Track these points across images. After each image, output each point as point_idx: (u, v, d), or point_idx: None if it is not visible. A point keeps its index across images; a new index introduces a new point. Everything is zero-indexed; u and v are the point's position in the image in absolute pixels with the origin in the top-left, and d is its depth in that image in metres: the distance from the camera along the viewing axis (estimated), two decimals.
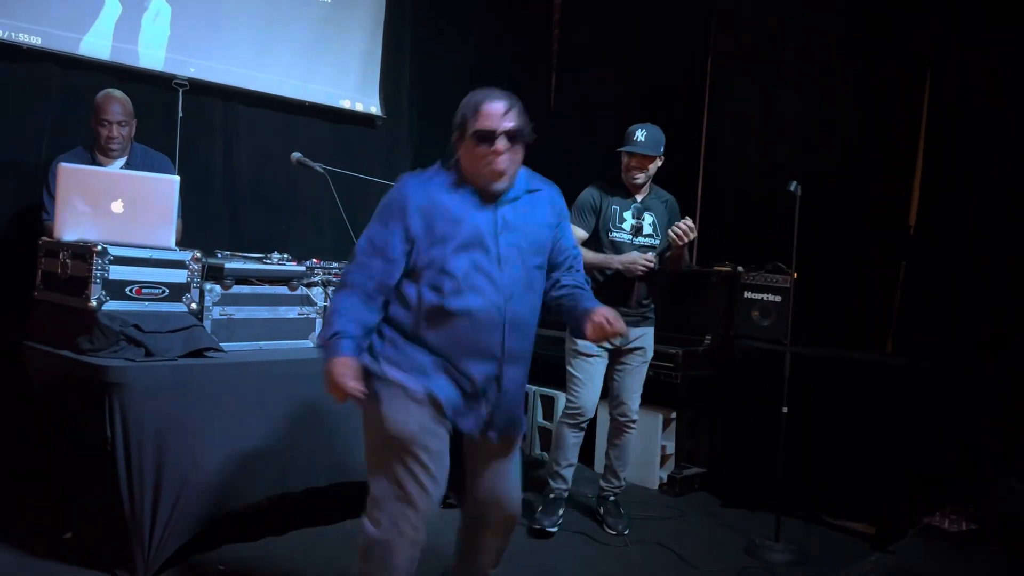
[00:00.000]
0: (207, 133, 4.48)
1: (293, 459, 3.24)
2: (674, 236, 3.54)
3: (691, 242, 3.60)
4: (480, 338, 2.27)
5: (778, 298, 4.27)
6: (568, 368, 3.83)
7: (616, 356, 3.86)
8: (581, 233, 3.77)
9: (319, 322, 3.49)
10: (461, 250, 2.25)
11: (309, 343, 3.47)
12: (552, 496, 3.88)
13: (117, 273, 2.97)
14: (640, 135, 3.73)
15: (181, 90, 4.25)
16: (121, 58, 4.09)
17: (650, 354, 3.92)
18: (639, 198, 3.83)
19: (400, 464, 2.24)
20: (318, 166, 3.61)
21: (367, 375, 2.29)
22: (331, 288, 3.47)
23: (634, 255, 3.69)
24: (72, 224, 3.07)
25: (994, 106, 4.01)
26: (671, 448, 4.63)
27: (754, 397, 4.20)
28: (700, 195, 5.28)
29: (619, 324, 2.32)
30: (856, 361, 4.03)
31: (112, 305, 2.96)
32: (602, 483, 4.00)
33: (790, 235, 3.61)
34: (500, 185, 2.29)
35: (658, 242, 3.79)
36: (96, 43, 4.01)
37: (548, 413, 4.98)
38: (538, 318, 2.44)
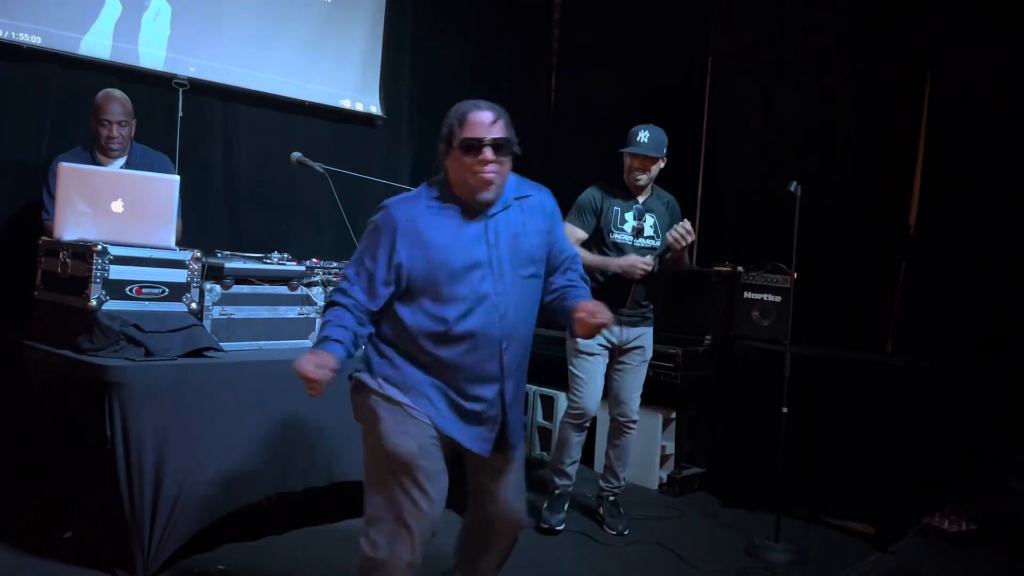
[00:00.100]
0: (207, 133, 4.48)
1: (293, 459, 3.24)
2: (672, 240, 3.55)
3: (690, 245, 3.61)
4: (478, 357, 2.25)
5: (778, 298, 4.27)
6: (570, 368, 3.83)
7: (615, 356, 3.86)
8: (580, 234, 3.77)
9: (319, 322, 3.49)
10: (454, 273, 2.22)
11: (309, 343, 3.47)
12: (557, 492, 3.91)
13: (117, 273, 2.97)
14: (643, 136, 3.72)
15: (181, 90, 4.25)
16: (121, 58, 4.08)
17: (649, 354, 3.92)
18: (640, 199, 3.83)
19: (397, 484, 2.21)
20: (318, 166, 3.61)
21: (365, 392, 2.28)
22: (330, 288, 3.46)
23: (632, 259, 3.69)
24: (72, 224, 3.07)
25: (994, 106, 4.01)
26: (671, 448, 4.63)
27: (754, 397, 4.20)
28: (700, 195, 5.28)
29: (603, 314, 2.30)
30: (856, 361, 4.03)
31: (112, 305, 2.96)
32: (602, 483, 4.00)
33: (790, 235, 3.61)
34: (488, 196, 2.26)
35: (659, 244, 3.79)
36: (96, 43, 4.01)
37: (548, 413, 4.97)
38: (534, 327, 2.41)
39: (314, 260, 3.58)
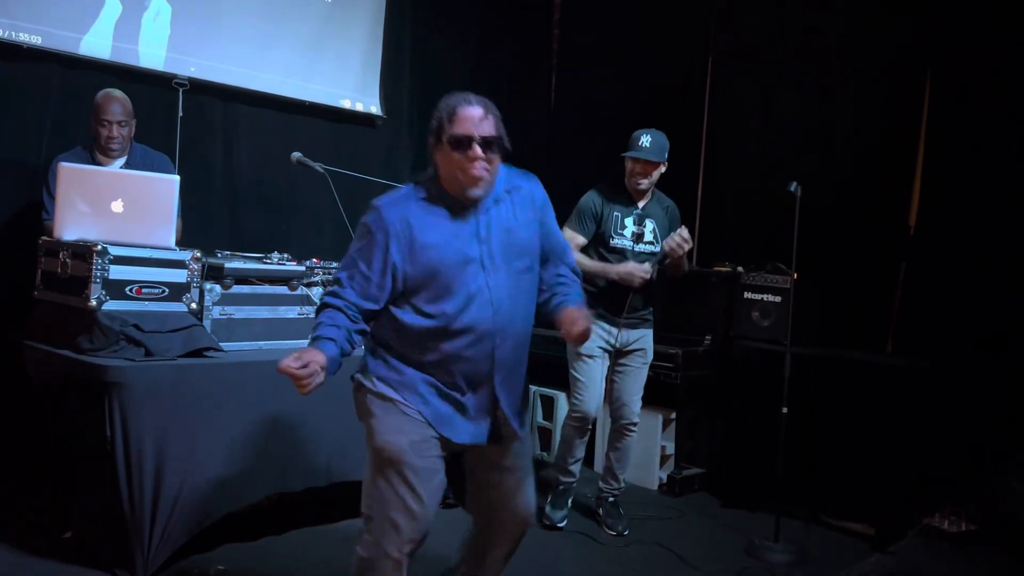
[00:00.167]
0: (207, 133, 4.48)
1: (293, 459, 3.25)
2: (669, 248, 3.57)
3: (688, 251, 3.62)
4: (471, 353, 2.23)
5: (778, 298, 4.27)
6: (570, 371, 3.84)
7: (616, 358, 3.86)
8: (580, 240, 3.79)
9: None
10: (447, 271, 2.21)
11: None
12: (561, 488, 3.94)
13: (117, 273, 2.97)
14: (645, 141, 3.72)
15: (181, 90, 4.25)
16: (121, 58, 4.08)
17: (650, 356, 3.92)
18: (641, 204, 3.83)
19: (386, 482, 2.22)
20: (318, 166, 3.61)
21: (363, 391, 2.28)
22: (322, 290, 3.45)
23: (631, 267, 3.68)
24: (72, 224, 3.07)
25: (994, 106, 4.01)
26: (671, 448, 4.63)
27: (754, 397, 4.20)
28: (700, 195, 5.28)
29: (579, 324, 2.29)
30: (856, 361, 4.03)
31: (112, 305, 2.96)
32: (601, 484, 4.00)
33: (790, 235, 3.61)
34: (477, 192, 2.24)
35: (658, 249, 3.78)
36: (96, 43, 4.01)
37: (548, 413, 4.97)
38: (532, 322, 2.39)
39: (314, 260, 3.58)
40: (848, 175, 4.49)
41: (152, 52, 4.20)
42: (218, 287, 3.25)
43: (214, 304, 3.25)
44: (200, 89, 4.36)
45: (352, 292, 2.21)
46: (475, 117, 2.21)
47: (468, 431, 2.29)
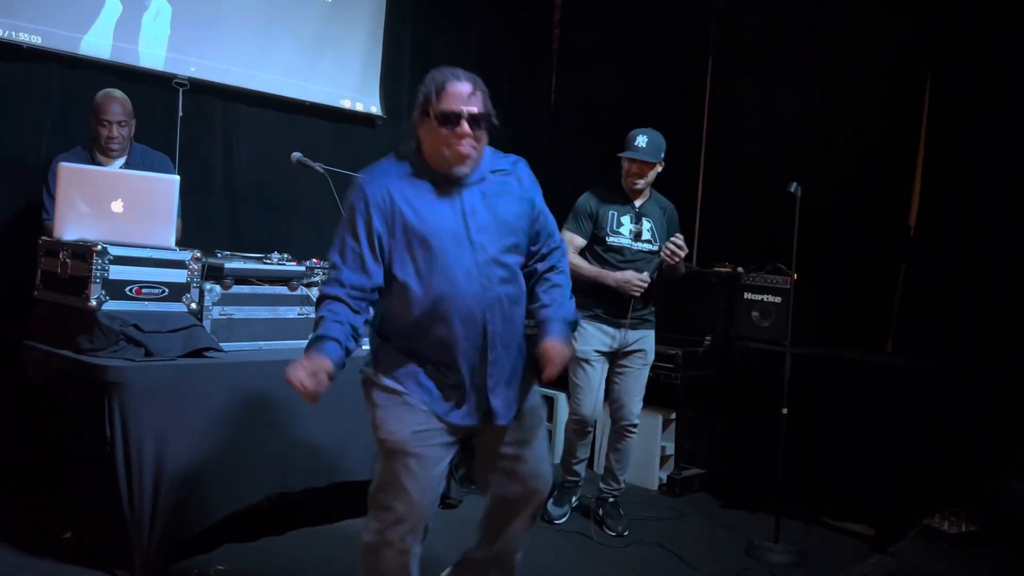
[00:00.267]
0: (207, 133, 4.48)
1: (293, 459, 3.24)
2: (665, 256, 3.61)
3: (684, 256, 3.64)
4: (461, 330, 2.22)
5: (778, 299, 4.27)
6: (570, 375, 3.84)
7: (616, 359, 3.86)
8: (579, 241, 3.79)
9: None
10: (430, 243, 2.19)
11: None
12: (566, 486, 3.98)
13: (117, 273, 2.97)
14: (641, 141, 3.72)
15: (181, 90, 4.25)
16: (121, 57, 4.08)
17: (651, 357, 3.91)
18: (637, 203, 3.83)
19: (389, 471, 2.24)
20: (318, 166, 3.61)
21: (368, 384, 2.31)
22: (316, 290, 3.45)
23: (629, 275, 3.68)
24: (72, 224, 3.06)
25: (994, 106, 4.01)
26: (671, 449, 4.63)
27: (754, 398, 4.20)
28: (700, 195, 5.28)
29: (551, 369, 2.26)
30: (856, 362, 4.03)
31: (112, 305, 2.96)
32: (601, 485, 4.01)
33: (790, 236, 3.61)
34: (463, 170, 2.22)
35: (656, 247, 3.78)
36: (96, 42, 4.01)
37: (549, 414, 4.97)
38: (524, 299, 2.37)
39: (314, 260, 3.57)
40: (848, 175, 4.49)
41: (152, 52, 4.20)
42: (218, 287, 3.25)
43: (214, 304, 3.24)
44: (200, 89, 4.36)
45: (348, 272, 2.20)
46: (464, 93, 2.19)
47: (471, 413, 2.29)
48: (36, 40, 3.80)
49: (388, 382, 2.27)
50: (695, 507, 4.29)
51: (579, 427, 3.87)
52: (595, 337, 3.75)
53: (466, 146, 2.19)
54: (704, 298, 4.64)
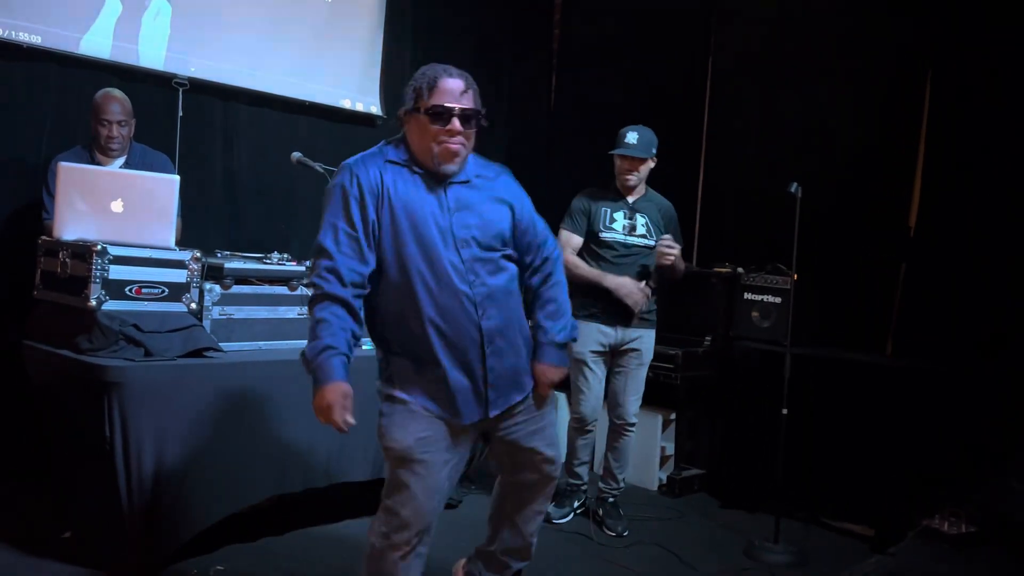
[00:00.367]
0: (207, 133, 4.48)
1: (293, 459, 3.24)
2: (658, 259, 3.65)
3: (678, 254, 3.66)
4: (452, 326, 2.21)
5: (778, 299, 4.27)
6: (570, 375, 3.84)
7: (613, 358, 3.88)
8: (576, 240, 3.82)
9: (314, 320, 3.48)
10: (420, 237, 2.18)
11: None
12: (568, 489, 3.98)
13: (116, 273, 2.97)
14: (631, 137, 3.75)
15: (181, 89, 4.25)
16: (121, 57, 4.08)
17: (648, 357, 3.91)
18: (630, 200, 3.84)
19: (396, 477, 2.24)
20: (318, 166, 3.61)
21: (379, 394, 2.31)
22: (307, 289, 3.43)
23: (628, 284, 3.66)
24: (71, 223, 3.06)
25: (994, 106, 4.01)
26: (670, 449, 4.62)
27: (754, 398, 4.20)
28: (700, 195, 5.28)
29: (541, 388, 2.38)
30: (856, 362, 4.03)
31: (111, 305, 2.96)
32: (601, 485, 4.01)
33: (790, 236, 3.61)
34: (451, 167, 2.20)
35: (652, 242, 3.80)
36: (96, 42, 4.01)
37: None
38: (518, 295, 2.37)
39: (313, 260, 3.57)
40: (848, 175, 4.48)
41: (152, 52, 4.19)
42: (218, 287, 3.25)
43: (214, 304, 3.24)
44: (200, 89, 4.36)
45: (346, 260, 2.15)
46: (456, 90, 2.18)
47: (475, 410, 2.29)
48: (36, 40, 3.80)
49: (391, 390, 2.28)
50: (695, 507, 4.29)
51: (577, 425, 3.91)
52: (592, 337, 3.76)
53: (456, 143, 2.18)
54: (704, 298, 4.63)
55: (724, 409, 4.49)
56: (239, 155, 4.60)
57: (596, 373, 3.84)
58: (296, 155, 3.67)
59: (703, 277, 4.64)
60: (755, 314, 4.37)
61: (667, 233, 3.81)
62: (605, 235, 3.80)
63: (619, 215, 3.82)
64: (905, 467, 3.70)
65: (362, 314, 2.25)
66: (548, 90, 6.18)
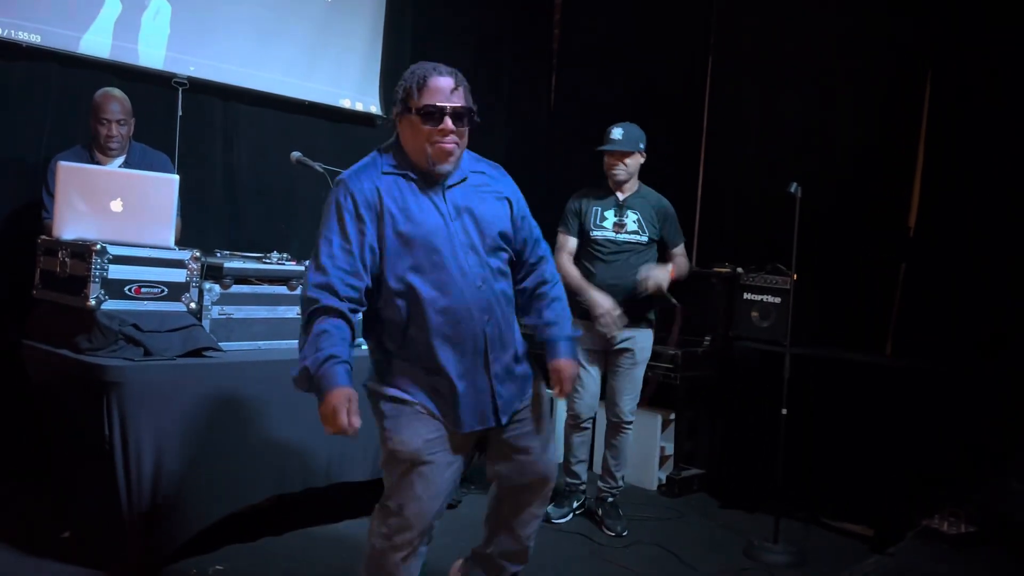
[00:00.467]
0: (207, 132, 4.47)
1: (292, 459, 3.24)
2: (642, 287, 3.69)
3: (660, 286, 3.67)
4: (458, 334, 2.20)
5: (777, 299, 4.27)
6: None
7: (608, 357, 3.90)
8: (571, 243, 3.86)
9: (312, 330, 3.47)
10: (422, 246, 2.16)
11: None
12: (568, 489, 4.00)
13: (116, 272, 2.97)
14: (616, 133, 3.79)
15: (181, 89, 4.24)
16: (121, 56, 4.07)
17: (643, 356, 3.91)
18: (621, 197, 3.85)
19: (402, 479, 2.22)
20: (318, 165, 3.60)
21: (373, 395, 2.28)
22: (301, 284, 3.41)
23: (606, 308, 3.63)
24: (71, 223, 3.06)
25: (994, 106, 4.01)
26: (670, 449, 4.62)
27: (753, 398, 4.20)
28: (700, 195, 5.28)
29: (563, 388, 2.37)
30: (856, 362, 4.03)
31: (111, 304, 2.96)
32: (600, 484, 4.01)
33: (790, 236, 3.61)
34: (446, 167, 2.18)
35: (644, 238, 3.82)
36: (96, 41, 4.00)
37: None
38: (513, 302, 2.36)
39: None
40: (848, 175, 4.48)
41: (152, 51, 4.19)
42: (217, 287, 3.25)
43: (213, 304, 3.24)
44: (200, 88, 4.36)
45: (342, 274, 2.12)
46: (446, 88, 2.15)
47: (475, 418, 2.28)
48: (35, 39, 3.80)
49: (394, 392, 2.24)
50: (694, 507, 4.29)
51: (574, 423, 3.95)
52: (584, 337, 3.76)
53: (449, 142, 2.15)
54: (704, 298, 4.63)
55: (724, 409, 4.49)
56: (239, 155, 4.60)
57: (590, 372, 3.87)
58: (296, 155, 3.67)
59: (703, 277, 4.64)
60: (755, 314, 4.37)
61: (662, 229, 3.85)
62: (596, 233, 3.83)
63: (609, 213, 3.84)
64: (905, 467, 3.70)
65: (359, 324, 2.23)
66: (548, 90, 6.18)
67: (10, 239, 3.72)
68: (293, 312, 3.46)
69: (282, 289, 3.44)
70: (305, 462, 3.28)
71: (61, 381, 3.01)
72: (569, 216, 3.88)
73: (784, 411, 3.61)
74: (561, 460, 4.14)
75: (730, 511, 4.23)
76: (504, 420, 2.33)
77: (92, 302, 2.91)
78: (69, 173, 3.08)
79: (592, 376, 3.89)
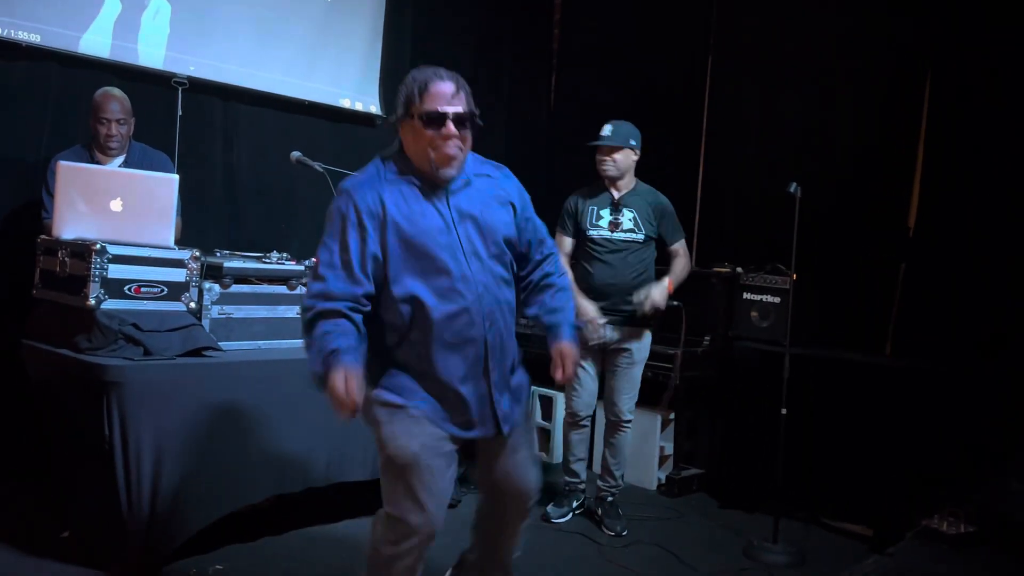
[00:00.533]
0: (206, 132, 4.47)
1: (292, 459, 3.24)
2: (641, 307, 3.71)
3: (657, 307, 3.70)
4: (459, 341, 2.19)
5: (777, 299, 4.27)
6: None
7: (606, 357, 3.91)
8: (567, 244, 3.88)
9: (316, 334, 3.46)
10: (426, 249, 2.15)
11: None
12: (567, 489, 4.01)
13: (116, 272, 2.97)
14: (606, 130, 3.81)
15: (180, 88, 4.24)
16: (120, 56, 4.07)
17: (640, 355, 3.91)
18: (616, 195, 3.85)
19: (401, 485, 2.20)
20: (317, 165, 3.61)
21: (366, 400, 2.21)
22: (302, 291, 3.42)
23: (588, 315, 3.67)
24: (71, 222, 3.06)
25: (994, 106, 4.01)
26: (669, 449, 4.62)
27: (753, 398, 4.20)
28: (700, 195, 5.28)
29: (566, 371, 2.33)
30: (855, 362, 4.03)
31: (111, 304, 2.96)
32: (599, 483, 4.02)
33: (790, 236, 3.61)
34: (449, 172, 2.17)
35: (640, 236, 3.83)
36: (95, 41, 4.00)
37: (547, 413, 4.98)
38: (514, 309, 2.36)
39: (313, 260, 3.55)
40: (848, 175, 4.48)
41: (151, 51, 4.19)
42: (217, 286, 3.25)
43: (213, 303, 3.24)
44: (199, 88, 4.36)
45: (338, 282, 2.12)
46: (448, 92, 2.15)
47: (471, 426, 2.27)
48: (35, 38, 3.80)
49: (389, 396, 2.23)
50: (694, 507, 4.29)
51: (572, 420, 3.97)
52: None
53: (452, 147, 2.15)
54: (703, 298, 4.63)
55: (723, 409, 4.49)
56: (239, 155, 4.60)
57: (588, 370, 3.88)
58: (295, 154, 3.67)
59: (702, 277, 4.64)
60: (754, 314, 4.37)
61: (659, 226, 3.86)
62: (592, 232, 3.84)
63: (605, 212, 3.85)
64: (904, 467, 3.70)
65: (362, 322, 2.22)
66: (548, 90, 6.18)
67: (10, 239, 3.72)
68: (293, 312, 3.46)
69: (282, 289, 3.44)
70: (305, 462, 3.28)
71: (61, 381, 3.01)
72: (565, 216, 3.90)
73: (784, 411, 3.61)
74: (560, 459, 4.17)
75: (730, 511, 4.23)
76: (506, 430, 2.31)
77: (92, 301, 2.91)
78: (69, 173, 3.08)
79: (590, 374, 3.89)
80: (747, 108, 5.02)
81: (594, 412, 4.04)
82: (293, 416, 3.20)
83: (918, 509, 3.50)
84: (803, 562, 3.56)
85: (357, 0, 5.03)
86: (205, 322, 3.20)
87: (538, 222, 2.46)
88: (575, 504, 4.01)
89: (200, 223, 4.22)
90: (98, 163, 3.55)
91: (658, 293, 3.71)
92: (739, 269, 4.52)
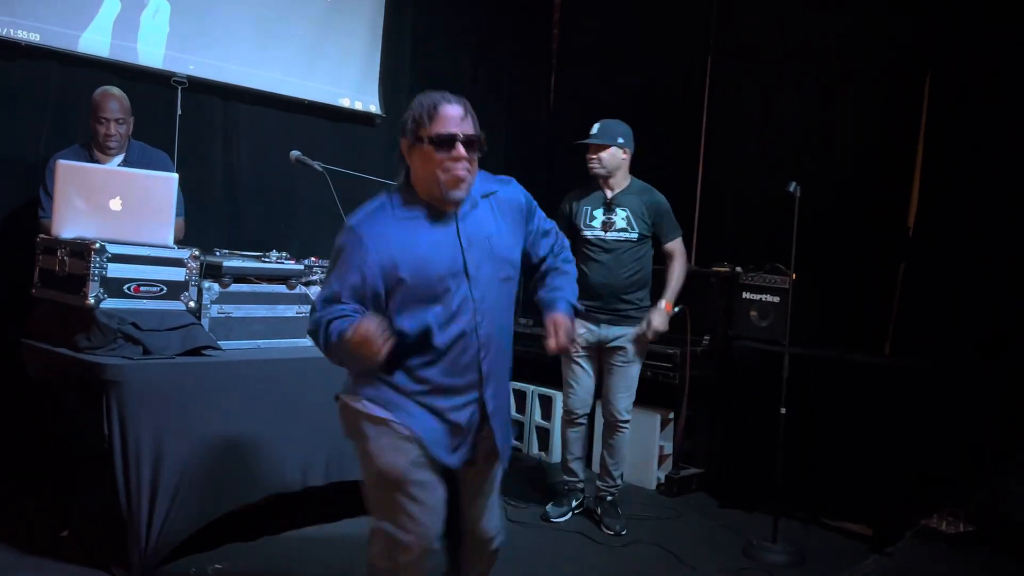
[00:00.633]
0: (206, 131, 4.47)
1: (291, 458, 3.24)
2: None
3: (659, 332, 3.77)
4: (457, 367, 2.19)
5: (776, 299, 4.27)
6: (562, 369, 3.93)
7: (602, 356, 3.91)
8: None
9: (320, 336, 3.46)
10: (431, 283, 2.15)
11: (308, 341, 3.45)
12: (566, 488, 4.02)
13: (115, 271, 2.97)
14: (595, 128, 3.83)
15: (180, 88, 4.25)
16: (120, 55, 4.07)
17: (634, 354, 3.91)
18: (609, 194, 3.85)
19: (393, 500, 2.18)
20: (317, 164, 3.61)
21: (350, 412, 2.23)
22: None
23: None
24: (70, 221, 3.06)
25: (994, 106, 4.01)
26: (669, 448, 4.62)
27: (752, 398, 4.20)
28: (700, 195, 5.28)
29: (558, 340, 2.27)
30: (855, 362, 4.03)
31: (110, 303, 2.96)
32: (599, 483, 4.02)
33: (789, 236, 3.61)
34: (459, 194, 2.17)
35: (634, 235, 3.83)
36: (95, 40, 4.00)
37: (546, 413, 4.98)
38: (512, 332, 2.37)
39: (312, 259, 3.57)
40: (848, 175, 4.48)
41: (151, 50, 4.19)
42: (216, 285, 3.25)
43: (212, 302, 3.24)
44: (199, 87, 4.36)
45: (336, 310, 2.13)
46: (456, 116, 2.15)
47: (457, 452, 2.25)
48: (34, 38, 3.80)
49: (375, 410, 2.20)
50: (693, 507, 4.29)
51: (569, 418, 3.98)
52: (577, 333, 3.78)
53: (461, 169, 2.15)
54: (703, 298, 4.62)
55: (723, 409, 4.49)
56: (239, 154, 4.60)
57: (584, 368, 3.90)
58: (295, 153, 3.67)
59: (702, 277, 4.64)
60: (754, 313, 4.37)
61: (654, 224, 3.85)
62: (586, 233, 3.86)
63: (598, 212, 3.86)
64: (904, 467, 3.70)
65: None
66: (548, 90, 6.18)
67: (9, 238, 3.72)
68: (292, 311, 3.46)
69: (281, 288, 3.44)
70: (304, 461, 3.28)
71: (60, 380, 3.01)
72: (560, 218, 3.89)
73: (783, 410, 3.61)
74: (559, 459, 4.17)
75: (729, 510, 4.23)
76: (505, 460, 2.32)
77: (91, 301, 2.91)
78: (68, 172, 3.08)
79: (586, 371, 3.90)
80: (747, 108, 5.02)
81: (592, 411, 4.04)
82: (292, 415, 3.20)
83: (918, 509, 3.50)
84: (803, 562, 3.56)
85: (357, 0, 5.03)
86: (204, 321, 3.20)
87: (545, 226, 2.47)
88: (574, 503, 4.02)
89: (200, 223, 4.21)
90: (97, 162, 3.55)
91: (657, 319, 3.76)
92: (738, 269, 4.52)
